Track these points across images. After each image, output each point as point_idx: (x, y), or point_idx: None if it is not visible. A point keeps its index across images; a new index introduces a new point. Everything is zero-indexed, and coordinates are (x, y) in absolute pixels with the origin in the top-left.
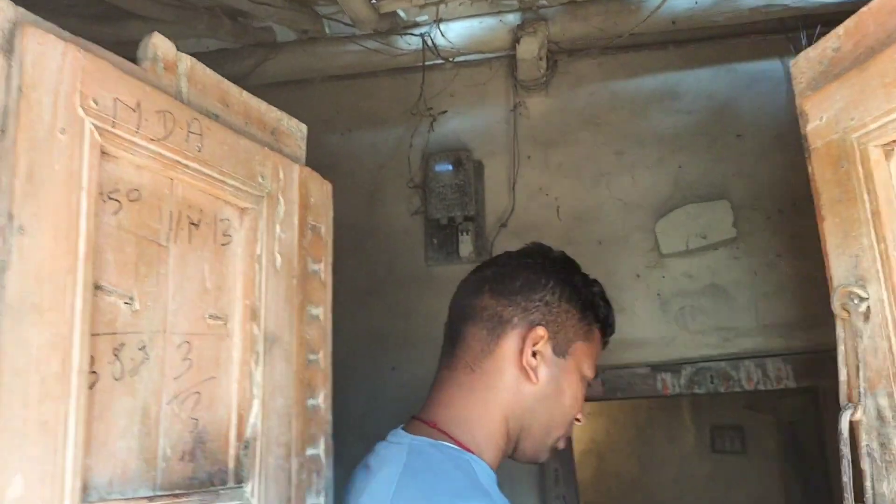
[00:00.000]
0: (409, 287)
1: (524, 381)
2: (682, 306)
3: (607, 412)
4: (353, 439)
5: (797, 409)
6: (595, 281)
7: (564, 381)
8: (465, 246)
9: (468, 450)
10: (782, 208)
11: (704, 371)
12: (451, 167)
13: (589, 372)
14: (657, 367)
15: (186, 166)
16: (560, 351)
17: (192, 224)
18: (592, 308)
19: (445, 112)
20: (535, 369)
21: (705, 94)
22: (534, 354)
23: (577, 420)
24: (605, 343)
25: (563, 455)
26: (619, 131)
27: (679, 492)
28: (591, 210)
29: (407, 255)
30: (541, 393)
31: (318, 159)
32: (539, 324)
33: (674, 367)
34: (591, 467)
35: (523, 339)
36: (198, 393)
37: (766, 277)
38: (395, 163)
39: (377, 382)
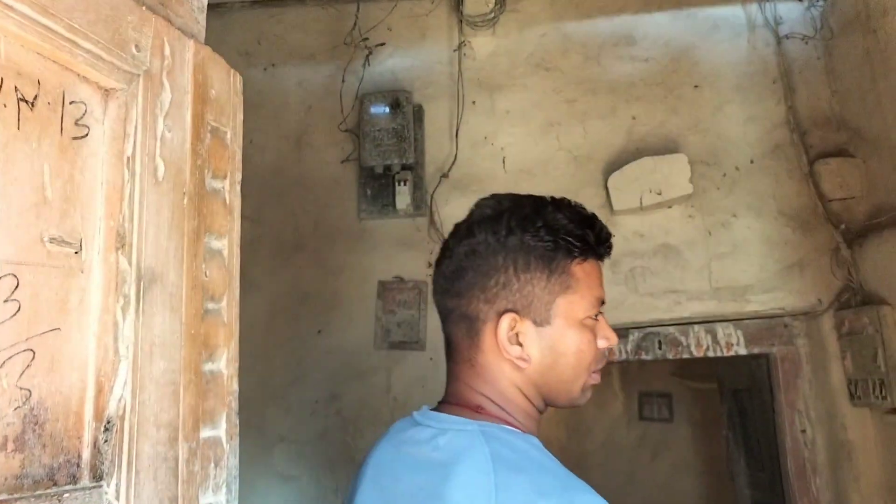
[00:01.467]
0: (340, 242)
1: (518, 368)
2: (633, 267)
3: None
4: (275, 413)
5: (744, 377)
6: (557, 208)
7: (560, 343)
8: (403, 198)
9: (522, 431)
10: (739, 165)
11: (653, 336)
12: (387, 109)
13: (588, 311)
14: None
15: (11, 8)
16: (541, 320)
17: (23, 101)
18: (560, 253)
19: (383, 45)
20: (521, 356)
21: (662, 40)
22: (517, 340)
23: (608, 355)
24: (602, 257)
25: None
26: (571, 78)
27: (605, 458)
28: (540, 162)
29: (337, 206)
30: (540, 367)
31: None
32: (505, 311)
33: (621, 331)
34: None
35: (495, 333)
36: (30, 351)
37: (720, 238)
38: (326, 104)
39: (303, 347)
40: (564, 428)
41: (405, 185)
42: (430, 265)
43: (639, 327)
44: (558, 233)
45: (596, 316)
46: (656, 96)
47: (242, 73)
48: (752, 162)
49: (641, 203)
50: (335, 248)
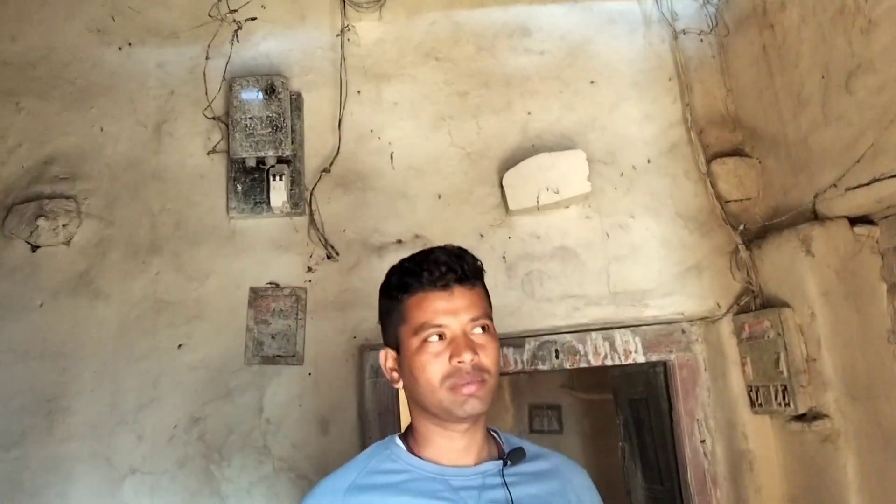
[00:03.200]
0: (205, 244)
1: (401, 389)
2: (529, 271)
3: None
4: (126, 440)
5: (640, 385)
6: (393, 269)
7: (408, 367)
8: (278, 194)
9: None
10: (636, 164)
11: (549, 345)
12: (261, 95)
13: (420, 337)
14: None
15: None
16: (397, 348)
17: None
18: (388, 295)
19: (254, 20)
20: (396, 379)
21: (558, 32)
22: (394, 369)
23: (459, 364)
24: (433, 289)
25: None
26: (463, 69)
27: None
28: (431, 159)
29: (202, 204)
30: (407, 386)
31: (88, 79)
32: (382, 347)
33: (516, 340)
34: None
35: (383, 367)
36: None
37: (618, 240)
38: (189, 87)
39: (159, 365)
40: None
41: (281, 179)
42: (309, 269)
43: (535, 335)
44: (393, 275)
45: (440, 336)
46: (552, 91)
47: (94, 53)
48: (648, 161)
49: (538, 202)
50: (200, 251)
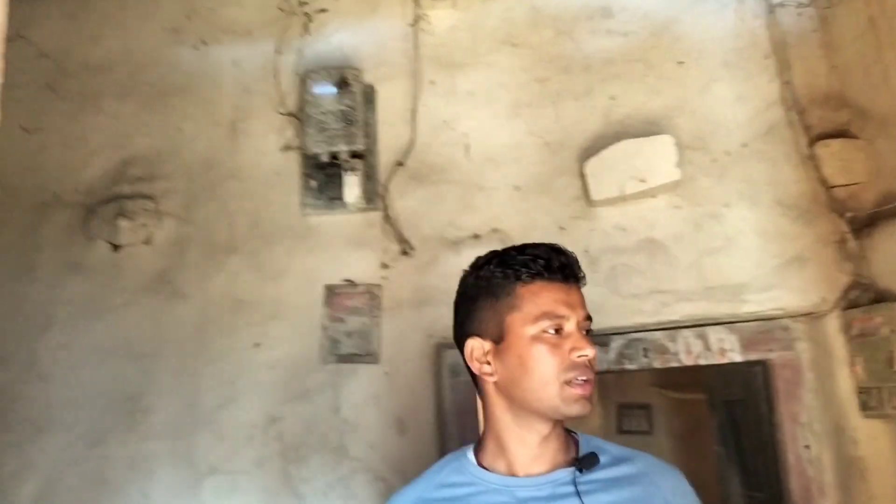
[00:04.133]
0: (280, 242)
1: (491, 383)
2: (614, 265)
3: None
4: (205, 440)
5: (737, 386)
6: (496, 254)
7: (516, 356)
8: (352, 189)
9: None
10: (730, 150)
11: (637, 343)
12: (334, 89)
13: (539, 326)
14: None
15: None
16: (498, 338)
17: None
18: (490, 280)
19: (325, 11)
20: (490, 372)
21: (641, 12)
22: (487, 361)
23: (579, 358)
24: (549, 278)
25: None
26: (541, 54)
27: None
28: (508, 149)
29: (278, 201)
30: (506, 378)
31: (165, 80)
32: (468, 337)
33: (601, 338)
34: None
35: (469, 359)
36: None
37: (711, 231)
38: (263, 84)
39: (237, 363)
40: None
41: (355, 174)
42: (384, 266)
43: (621, 333)
44: (497, 261)
45: (557, 329)
46: (636, 74)
47: (168, 52)
48: (744, 145)
49: (623, 192)
50: (275, 250)
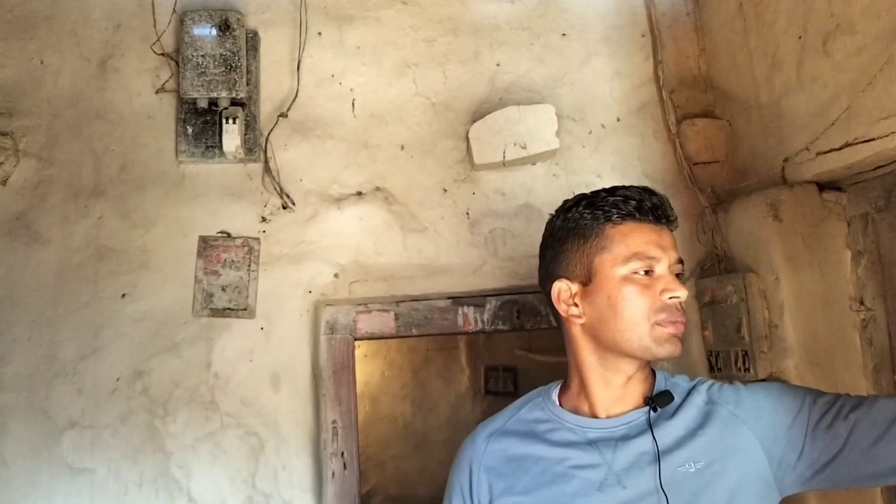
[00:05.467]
0: (152, 189)
1: (578, 325)
2: (493, 229)
3: (384, 354)
4: (65, 393)
5: None
6: (585, 196)
7: (605, 297)
8: (232, 138)
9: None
10: (605, 123)
11: (510, 305)
12: (214, 32)
13: (629, 267)
14: (459, 300)
15: None
16: (586, 279)
17: None
18: (578, 221)
19: None
20: (577, 314)
21: None
22: (574, 303)
23: (671, 300)
24: (640, 219)
25: (344, 405)
26: (430, 14)
27: (451, 433)
28: (394, 107)
29: (150, 146)
30: (595, 320)
31: (26, 7)
32: (555, 279)
33: (478, 299)
34: (364, 411)
35: (556, 301)
36: None
37: None
38: (137, 21)
39: (101, 315)
40: (410, 404)
41: (235, 123)
42: (263, 219)
43: (496, 295)
44: (587, 202)
45: (647, 271)
46: (522, 42)
47: None
48: (618, 120)
49: (504, 157)
50: (146, 196)
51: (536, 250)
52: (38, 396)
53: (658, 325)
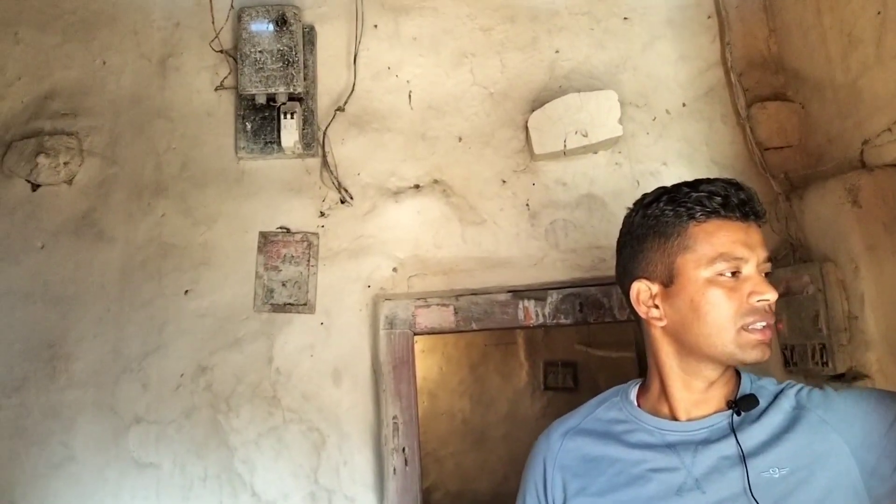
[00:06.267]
0: (213, 186)
1: (659, 328)
2: (554, 220)
3: (441, 349)
4: (130, 389)
5: None
6: (667, 190)
7: (688, 300)
8: (290, 133)
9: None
10: (670, 108)
11: (572, 298)
12: (271, 27)
13: (714, 269)
14: (520, 293)
15: None
16: (667, 281)
17: None
18: (659, 219)
19: None
20: (658, 316)
21: None
22: (654, 304)
23: (759, 303)
24: (726, 216)
25: (404, 400)
26: (487, 2)
27: (509, 428)
28: (451, 98)
29: (210, 143)
30: (676, 323)
31: (89, 8)
32: (634, 280)
33: (539, 292)
34: (422, 407)
35: (635, 302)
36: None
37: (650, 188)
38: (196, 19)
39: (165, 311)
40: (469, 399)
41: (293, 118)
42: (321, 214)
43: (558, 288)
44: (661, 206)
45: (734, 272)
46: (581, 28)
47: None
48: (683, 105)
49: (565, 146)
50: (207, 193)
51: (598, 241)
52: (104, 392)
53: (745, 329)
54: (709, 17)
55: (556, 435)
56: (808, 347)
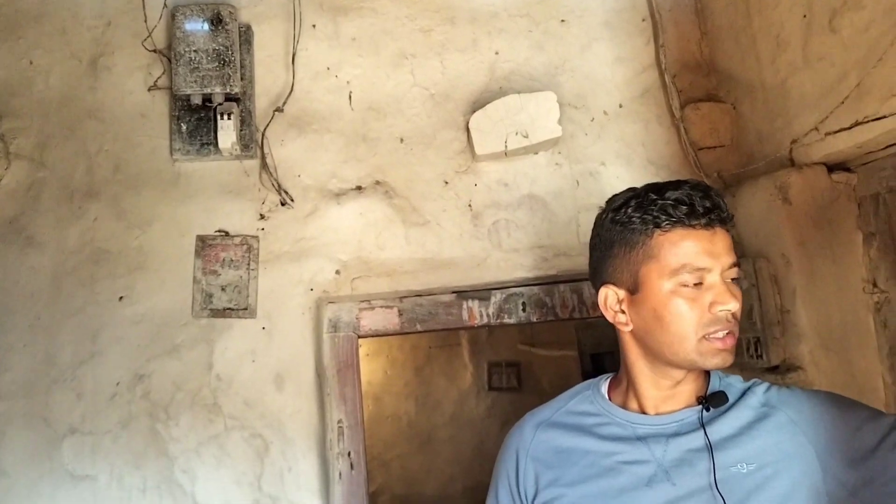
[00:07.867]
0: (147, 189)
1: (626, 332)
2: (496, 220)
3: (386, 352)
4: (64, 399)
5: (607, 339)
6: (635, 195)
7: (651, 309)
8: (227, 134)
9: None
10: (608, 109)
11: (515, 298)
12: (206, 26)
13: (677, 280)
14: (464, 294)
15: None
16: (633, 288)
17: None
18: (625, 227)
19: None
20: (624, 322)
21: None
22: (621, 310)
23: (721, 312)
24: (691, 225)
25: (349, 404)
26: (427, 4)
27: (455, 430)
28: (392, 99)
29: (144, 144)
30: (641, 329)
31: (14, 6)
32: (602, 284)
33: (483, 292)
34: (367, 411)
35: (602, 307)
36: None
37: (588, 188)
38: (128, 18)
39: (98, 318)
40: (414, 402)
41: (230, 119)
42: (261, 216)
43: (501, 288)
44: (629, 214)
45: (696, 283)
46: (520, 30)
47: None
48: (620, 106)
49: (506, 147)
50: (141, 196)
51: (541, 241)
52: (36, 403)
53: (706, 339)
54: (643, 20)
55: (529, 427)
56: (743, 341)
